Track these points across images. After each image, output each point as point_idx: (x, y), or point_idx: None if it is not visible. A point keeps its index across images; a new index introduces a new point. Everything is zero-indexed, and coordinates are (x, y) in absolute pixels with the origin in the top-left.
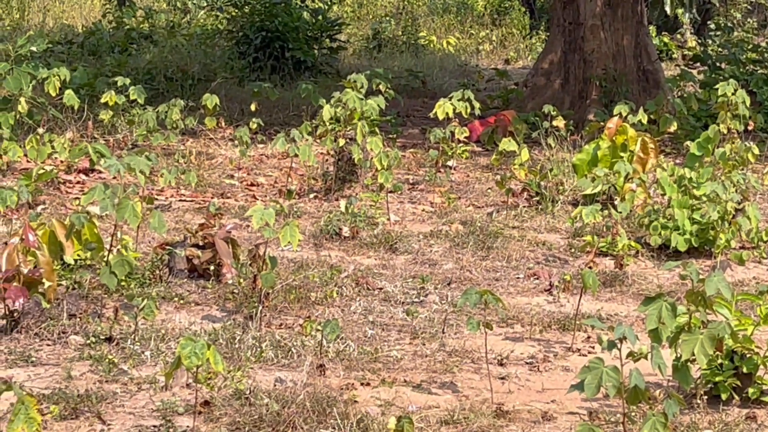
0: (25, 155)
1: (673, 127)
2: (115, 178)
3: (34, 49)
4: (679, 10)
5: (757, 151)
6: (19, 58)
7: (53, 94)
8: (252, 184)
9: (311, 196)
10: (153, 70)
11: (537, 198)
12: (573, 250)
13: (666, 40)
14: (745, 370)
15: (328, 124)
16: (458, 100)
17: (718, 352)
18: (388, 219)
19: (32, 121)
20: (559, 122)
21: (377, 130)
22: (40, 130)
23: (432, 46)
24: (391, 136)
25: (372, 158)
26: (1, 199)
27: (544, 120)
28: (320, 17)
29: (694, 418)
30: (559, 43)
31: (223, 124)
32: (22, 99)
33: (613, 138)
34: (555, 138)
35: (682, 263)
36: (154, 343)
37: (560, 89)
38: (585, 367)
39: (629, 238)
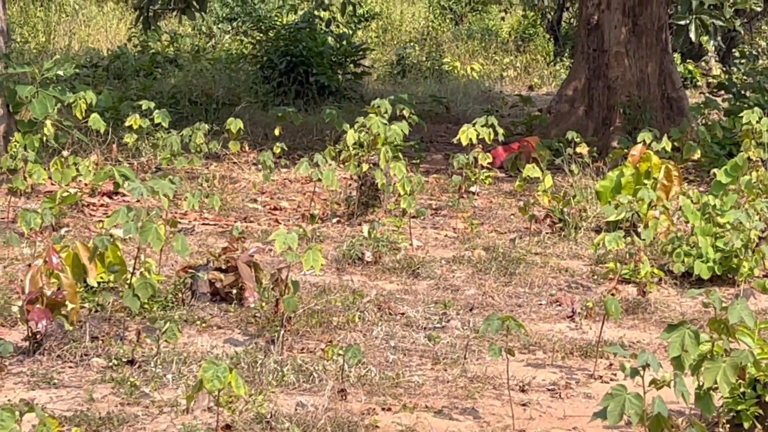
0: (50, 178)
1: (697, 155)
2: (138, 201)
3: (60, 73)
4: (704, 38)
5: None
6: (44, 81)
7: (80, 118)
8: (275, 209)
9: (334, 220)
10: (177, 94)
11: (560, 224)
12: (596, 276)
13: (690, 67)
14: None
15: (351, 149)
16: (482, 126)
17: (740, 381)
18: (411, 244)
19: (57, 144)
20: (583, 149)
21: (401, 155)
22: (65, 153)
23: (456, 72)
24: (414, 161)
25: (395, 183)
26: (25, 222)
27: (568, 146)
28: (345, 42)
29: None
30: (583, 70)
31: (246, 148)
32: (47, 122)
33: (637, 165)
34: (578, 165)
35: (705, 291)
36: (176, 366)
37: (584, 116)
38: (607, 394)
39: (652, 266)
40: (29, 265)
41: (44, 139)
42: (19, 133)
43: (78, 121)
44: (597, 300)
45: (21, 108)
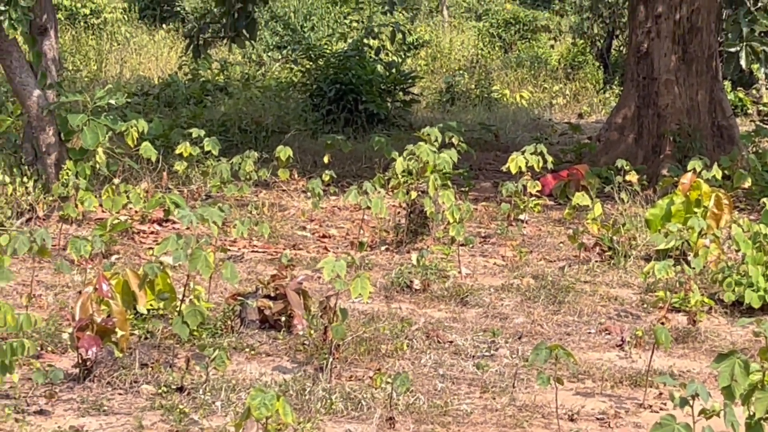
0: (101, 205)
1: (748, 183)
2: (188, 228)
3: (112, 101)
4: (755, 66)
5: None
6: (96, 109)
7: (131, 146)
8: (324, 236)
9: (383, 248)
10: (228, 121)
11: (609, 253)
12: (645, 305)
13: (741, 95)
14: None
15: (400, 176)
16: (531, 154)
17: None
18: (459, 272)
19: (108, 172)
20: (633, 177)
21: (449, 183)
22: (116, 181)
23: (505, 99)
24: (463, 189)
25: (444, 211)
26: (76, 249)
27: (617, 174)
28: (394, 70)
29: None
30: (632, 98)
31: (296, 175)
32: (99, 150)
33: (687, 193)
34: (628, 193)
35: (755, 320)
36: (224, 393)
37: (634, 144)
38: (657, 424)
39: (702, 294)
40: (80, 293)
41: (95, 166)
42: (71, 161)
43: (129, 149)
44: (647, 329)
45: (73, 136)
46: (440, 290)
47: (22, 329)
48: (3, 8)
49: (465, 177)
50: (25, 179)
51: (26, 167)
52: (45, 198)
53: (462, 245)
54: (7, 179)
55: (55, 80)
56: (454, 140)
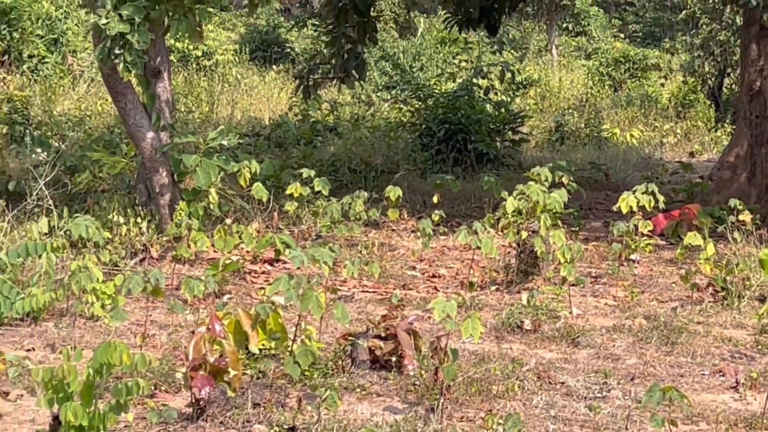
0: (213, 245)
1: None
2: (299, 268)
3: (224, 143)
4: None
5: None
6: (208, 150)
7: (243, 186)
8: (433, 276)
9: (493, 288)
10: (337, 162)
11: (723, 293)
12: (760, 346)
13: None
14: None
15: (510, 216)
16: (642, 194)
17: None
18: (570, 312)
19: (220, 212)
20: (746, 216)
21: (560, 222)
22: (228, 221)
23: (615, 138)
24: (573, 228)
25: (554, 251)
26: (189, 289)
27: (730, 214)
28: (503, 109)
29: None
30: (745, 137)
31: (405, 215)
32: (211, 190)
33: None
34: (741, 232)
35: None
36: None
37: (746, 183)
38: None
39: None
40: (193, 332)
41: (208, 207)
42: (184, 201)
43: (241, 189)
44: (762, 370)
45: (185, 177)
46: (551, 331)
47: (137, 368)
48: (118, 51)
49: (575, 217)
50: (139, 220)
51: (140, 208)
52: (158, 238)
53: (573, 285)
54: (122, 220)
55: (168, 122)
56: (564, 180)
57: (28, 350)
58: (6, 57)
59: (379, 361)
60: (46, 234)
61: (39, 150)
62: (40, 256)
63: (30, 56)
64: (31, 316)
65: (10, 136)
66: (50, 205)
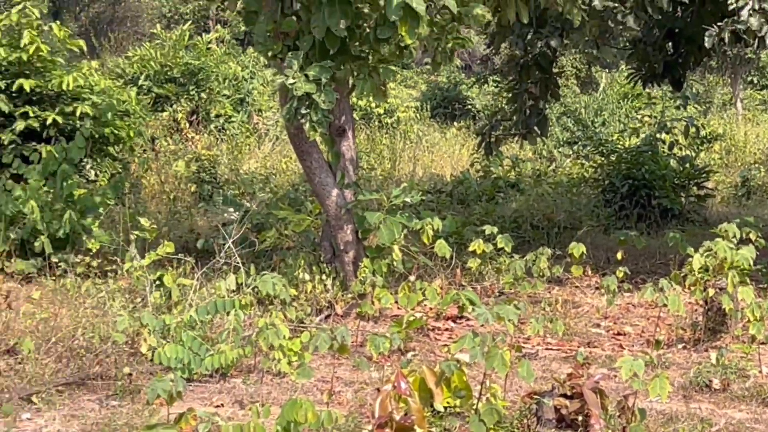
0: (397, 302)
1: None
2: (483, 325)
3: (408, 200)
4: None
5: None
6: (392, 207)
7: (426, 243)
8: (619, 334)
9: (680, 346)
10: (519, 218)
11: None
12: None
13: None
14: None
15: (697, 273)
16: None
17: None
18: (760, 371)
19: (404, 269)
20: None
21: (748, 279)
22: (412, 278)
23: None
24: (762, 286)
25: (743, 308)
26: (374, 346)
27: None
28: (687, 165)
29: None
30: None
31: (589, 272)
32: (395, 247)
33: None
34: None
35: None
36: None
37: None
38: None
39: None
40: (378, 390)
41: (392, 264)
42: (368, 258)
43: (424, 246)
44: None
45: (369, 234)
46: (740, 390)
47: (323, 426)
48: (304, 111)
49: (764, 273)
50: (324, 277)
51: (325, 265)
52: (343, 295)
53: (762, 344)
54: (307, 277)
55: (352, 179)
56: (752, 236)
57: (218, 406)
58: (194, 117)
59: (565, 420)
60: (234, 291)
61: (231, 210)
62: (228, 313)
63: (217, 116)
64: (220, 372)
65: (198, 195)
66: (238, 262)
